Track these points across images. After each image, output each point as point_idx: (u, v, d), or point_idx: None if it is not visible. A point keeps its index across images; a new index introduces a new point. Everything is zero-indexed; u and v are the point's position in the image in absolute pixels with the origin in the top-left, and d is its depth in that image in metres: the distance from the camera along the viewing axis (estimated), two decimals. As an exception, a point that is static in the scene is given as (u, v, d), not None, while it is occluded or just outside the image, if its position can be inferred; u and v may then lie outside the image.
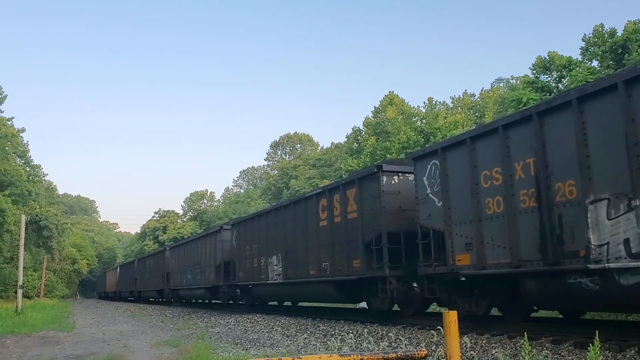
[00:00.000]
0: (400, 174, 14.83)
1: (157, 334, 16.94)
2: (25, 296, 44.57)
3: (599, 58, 34.96)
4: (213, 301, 31.60)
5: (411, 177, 14.22)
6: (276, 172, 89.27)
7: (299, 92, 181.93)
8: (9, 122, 51.59)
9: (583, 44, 36.47)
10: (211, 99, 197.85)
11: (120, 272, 62.58)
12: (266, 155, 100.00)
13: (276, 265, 20.63)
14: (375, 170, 14.85)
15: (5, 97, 52.00)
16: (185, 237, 62.75)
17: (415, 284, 14.39)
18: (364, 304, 22.05)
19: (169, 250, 39.96)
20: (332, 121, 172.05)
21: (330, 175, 63.38)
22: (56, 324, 21.86)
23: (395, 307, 15.73)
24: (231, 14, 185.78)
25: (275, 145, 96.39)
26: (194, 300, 36.33)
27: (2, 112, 51.35)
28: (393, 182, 14.66)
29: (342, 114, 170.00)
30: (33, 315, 26.95)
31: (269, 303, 26.10)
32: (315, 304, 23.50)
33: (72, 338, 16.29)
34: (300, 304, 24.86)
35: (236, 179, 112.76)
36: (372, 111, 52.99)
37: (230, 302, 27.82)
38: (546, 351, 8.88)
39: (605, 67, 33.24)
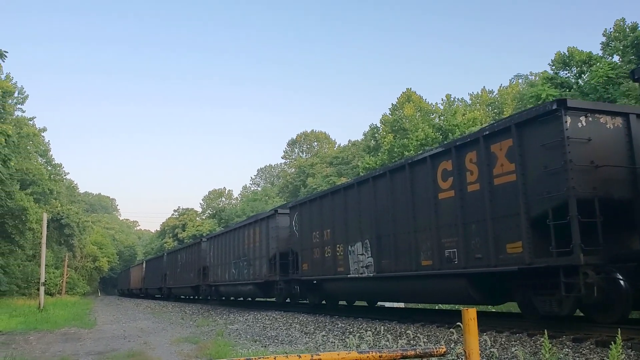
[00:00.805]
0: (588, 114, 10.04)
1: (177, 331, 17.10)
2: (47, 293, 45.20)
3: (620, 53, 34.46)
4: (265, 299, 28.00)
5: (603, 118, 10.11)
6: (293, 170, 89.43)
7: (316, 90, 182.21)
8: (31, 122, 52.37)
9: (604, 39, 36.00)
10: (229, 97, 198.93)
11: (146, 267, 58.09)
12: (283, 154, 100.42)
13: (362, 254, 16.08)
14: (555, 107, 9.90)
15: (27, 97, 52.84)
16: (205, 234, 62.69)
17: (620, 276, 9.77)
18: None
19: (206, 241, 35.22)
20: (349, 119, 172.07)
21: (347, 173, 63.33)
22: (78, 321, 22.14)
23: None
24: (249, 14, 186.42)
25: (292, 143, 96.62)
26: (233, 298, 32.72)
27: (24, 112, 52.14)
28: (580, 125, 9.92)
29: (359, 112, 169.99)
30: (55, 312, 27.36)
31: (342, 302, 21.91)
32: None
33: (93, 335, 16.50)
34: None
35: (254, 177, 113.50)
36: (389, 108, 52.94)
37: (288, 300, 23.99)
38: (567, 349, 8.78)
39: (626, 62, 32.74)
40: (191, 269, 36.99)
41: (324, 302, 21.03)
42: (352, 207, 16.86)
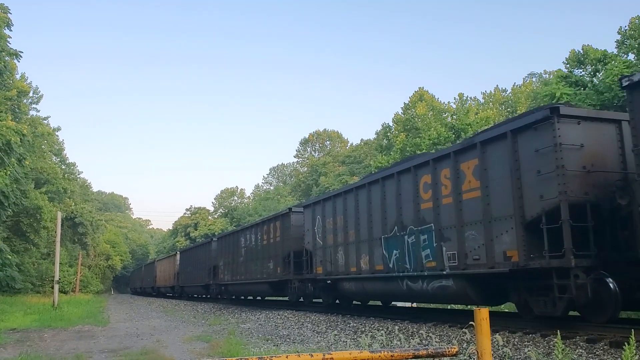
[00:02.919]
0: None
1: (189, 329, 17.18)
2: (62, 291, 45.59)
3: (635, 51, 34.10)
4: (490, 307, 10.34)
5: None
6: (306, 169, 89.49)
7: (329, 89, 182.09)
8: (45, 122, 52.84)
9: (619, 37, 35.65)
10: (242, 96, 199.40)
11: (182, 259, 46.40)
12: (296, 152, 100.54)
13: None
14: None
15: (42, 97, 53.37)
16: (216, 233, 61.85)
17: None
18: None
19: (301, 211, 22.68)
20: (362, 118, 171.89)
21: (359, 172, 63.29)
22: (91, 319, 22.31)
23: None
24: (263, 13, 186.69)
25: (304, 142, 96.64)
26: (362, 302, 21.03)
27: (39, 111, 52.71)
28: None
29: (372, 111, 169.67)
30: (69, 309, 27.57)
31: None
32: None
33: (106, 332, 16.62)
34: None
35: (266, 176, 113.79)
36: (401, 107, 52.82)
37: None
38: (580, 350, 8.73)
39: (642, 60, 32.40)
40: (268, 257, 25.52)
41: None
42: None
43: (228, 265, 32.16)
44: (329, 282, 19.61)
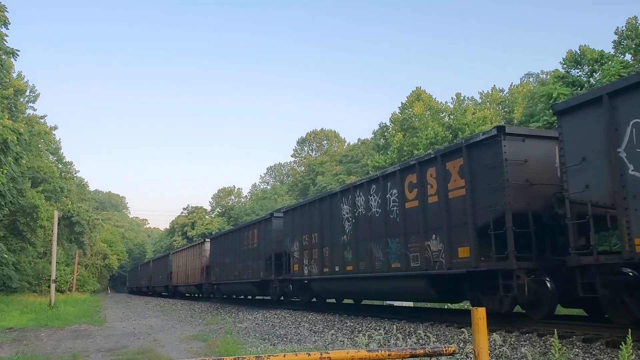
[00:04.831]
0: None
1: (186, 329, 17.16)
2: (58, 290, 45.59)
3: (632, 52, 34.19)
4: None
5: None
6: (303, 168, 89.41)
7: (326, 89, 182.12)
8: (42, 120, 52.72)
9: (616, 37, 35.74)
10: (239, 96, 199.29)
11: (214, 248, 35.65)
12: (293, 152, 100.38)
13: None
14: None
15: (39, 95, 53.18)
16: (213, 232, 61.15)
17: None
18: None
19: (546, 133, 12.51)
20: (359, 117, 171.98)
21: (357, 171, 63.31)
22: (88, 318, 22.28)
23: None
24: (260, 13, 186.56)
25: (302, 142, 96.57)
26: None
27: (36, 110, 52.59)
28: None
29: (369, 110, 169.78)
30: (66, 309, 27.53)
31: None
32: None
33: (103, 332, 16.59)
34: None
35: (263, 175, 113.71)
36: (399, 107, 52.83)
37: None
38: (577, 349, 8.74)
39: (638, 61, 32.48)
40: (416, 231, 13.92)
41: None
42: None
43: (311, 251, 20.25)
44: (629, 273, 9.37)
